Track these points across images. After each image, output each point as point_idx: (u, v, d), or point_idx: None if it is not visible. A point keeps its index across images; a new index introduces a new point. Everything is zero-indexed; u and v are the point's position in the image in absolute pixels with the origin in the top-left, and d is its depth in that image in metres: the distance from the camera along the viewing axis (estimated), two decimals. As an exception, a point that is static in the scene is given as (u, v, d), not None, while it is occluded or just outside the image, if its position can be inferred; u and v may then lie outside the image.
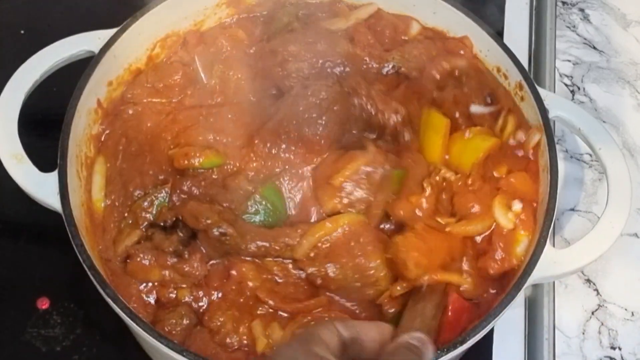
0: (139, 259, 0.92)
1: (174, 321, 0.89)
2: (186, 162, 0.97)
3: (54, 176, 0.91)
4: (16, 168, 0.93)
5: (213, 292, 0.93)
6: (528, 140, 1.02)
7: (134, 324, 0.83)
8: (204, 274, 0.93)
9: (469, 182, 0.98)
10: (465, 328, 0.88)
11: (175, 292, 0.92)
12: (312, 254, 0.93)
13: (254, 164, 0.98)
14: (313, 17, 1.12)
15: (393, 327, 0.72)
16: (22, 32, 1.26)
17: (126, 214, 0.96)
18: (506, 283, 0.94)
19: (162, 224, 0.95)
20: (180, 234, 0.94)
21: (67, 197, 0.90)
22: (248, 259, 0.94)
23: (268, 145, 0.98)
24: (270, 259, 0.94)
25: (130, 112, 1.03)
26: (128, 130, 1.01)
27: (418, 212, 0.94)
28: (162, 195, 0.96)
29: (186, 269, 0.92)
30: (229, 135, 0.99)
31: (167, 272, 0.92)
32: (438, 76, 1.07)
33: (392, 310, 0.92)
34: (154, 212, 0.96)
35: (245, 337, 0.90)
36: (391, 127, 1.01)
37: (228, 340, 0.90)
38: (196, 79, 1.07)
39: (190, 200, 0.95)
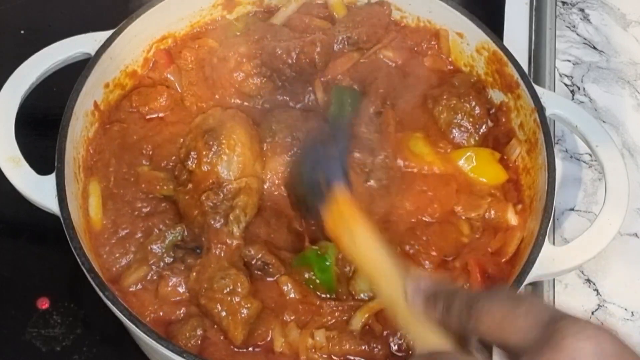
0: (171, 283, 0.92)
1: (187, 334, 0.89)
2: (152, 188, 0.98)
3: (51, 179, 0.92)
4: (13, 171, 0.93)
5: None
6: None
7: (134, 326, 0.83)
8: None
9: None
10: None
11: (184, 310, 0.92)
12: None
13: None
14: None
15: None
16: (22, 32, 1.26)
17: (134, 249, 0.95)
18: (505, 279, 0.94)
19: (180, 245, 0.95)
20: None
21: (65, 200, 0.90)
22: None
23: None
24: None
25: (116, 129, 1.04)
26: (115, 150, 1.01)
27: None
28: (177, 232, 0.95)
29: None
30: None
31: None
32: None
33: None
34: (165, 247, 0.95)
35: (265, 337, 0.90)
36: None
37: (249, 342, 0.90)
38: (181, 99, 1.08)
39: None
